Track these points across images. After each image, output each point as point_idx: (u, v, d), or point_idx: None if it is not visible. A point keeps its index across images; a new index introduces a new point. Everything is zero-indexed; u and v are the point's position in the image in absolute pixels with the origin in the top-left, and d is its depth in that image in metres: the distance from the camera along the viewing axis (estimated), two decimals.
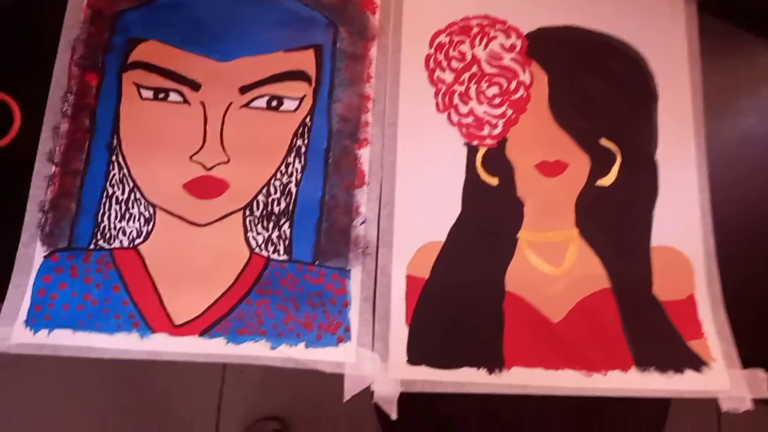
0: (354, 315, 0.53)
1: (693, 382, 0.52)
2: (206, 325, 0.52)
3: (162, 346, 0.51)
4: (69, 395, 1.24)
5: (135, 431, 1.23)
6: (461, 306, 0.54)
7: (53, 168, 0.55)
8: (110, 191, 0.55)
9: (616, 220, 0.57)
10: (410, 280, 0.54)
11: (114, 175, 0.55)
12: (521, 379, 0.52)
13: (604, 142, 0.58)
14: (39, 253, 0.53)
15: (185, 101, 0.57)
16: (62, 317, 0.52)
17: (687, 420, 0.80)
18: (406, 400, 0.51)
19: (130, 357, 0.51)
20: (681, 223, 0.57)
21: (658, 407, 0.80)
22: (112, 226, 0.54)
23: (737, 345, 0.53)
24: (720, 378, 0.52)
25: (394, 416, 0.50)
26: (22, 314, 0.52)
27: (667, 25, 0.62)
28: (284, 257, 0.54)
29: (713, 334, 0.53)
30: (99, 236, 0.54)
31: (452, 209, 0.56)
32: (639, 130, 0.59)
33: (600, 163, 0.58)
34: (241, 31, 0.59)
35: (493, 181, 0.57)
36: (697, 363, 0.52)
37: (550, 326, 0.53)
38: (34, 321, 0.52)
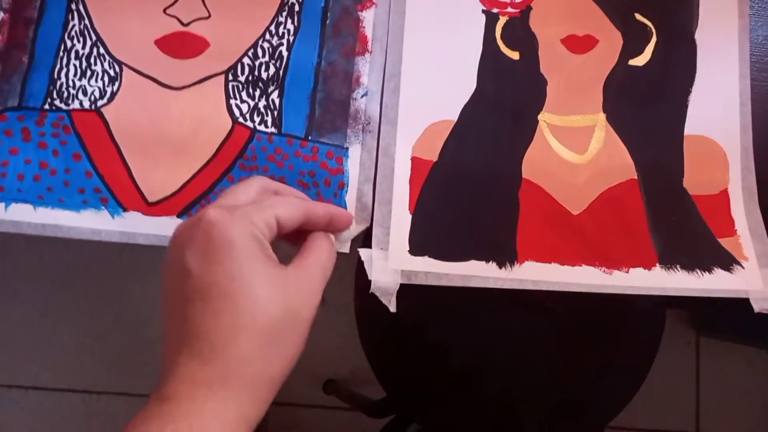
0: (351, 198, 0.45)
1: (722, 281, 0.45)
2: (185, 205, 0.44)
3: (136, 226, 0.43)
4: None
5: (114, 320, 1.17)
6: (471, 193, 0.47)
7: (1, 14, 0.45)
8: (69, 44, 0.45)
9: (648, 104, 0.49)
10: (416, 162, 0.47)
11: (73, 26, 0.46)
12: (534, 274, 0.45)
13: (639, 17, 0.50)
14: None
15: None
16: (18, 189, 0.43)
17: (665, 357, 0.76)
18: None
19: (102, 238, 0.43)
20: (718, 111, 0.49)
21: (653, 327, 0.76)
22: (71, 84, 0.45)
23: None
24: (753, 277, 0.46)
25: (393, 309, 0.43)
26: None
27: None
28: (272, 129, 0.46)
29: (746, 232, 0.47)
30: (55, 95, 0.44)
31: (466, 85, 0.48)
32: (678, 5, 0.50)
33: (633, 40, 0.49)
34: None
35: (514, 55, 0.49)
36: (728, 261, 0.46)
37: (569, 218, 0.47)
38: None
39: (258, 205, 0.33)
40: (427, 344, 0.75)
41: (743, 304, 0.45)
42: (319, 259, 0.35)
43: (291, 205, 0.34)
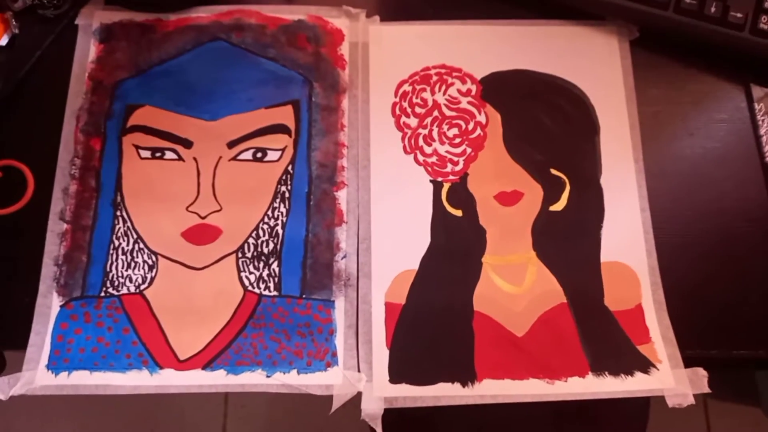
0: (339, 341, 0.55)
1: (642, 383, 0.54)
2: (208, 359, 0.54)
3: (169, 380, 0.53)
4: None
5: None
6: (435, 327, 0.56)
7: (65, 225, 0.58)
8: (116, 243, 0.57)
9: (569, 240, 0.59)
10: (388, 306, 0.57)
11: (119, 228, 0.58)
12: (491, 390, 0.54)
13: (554, 171, 0.61)
14: (56, 302, 0.55)
15: (180, 158, 0.60)
16: (79, 359, 0.54)
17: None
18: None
19: (141, 392, 0.53)
20: (626, 240, 0.59)
21: (638, 402, 0.82)
22: (120, 274, 0.56)
23: (679, 347, 0.55)
24: (666, 377, 0.54)
25: (379, 431, 0.52)
26: (44, 359, 0.54)
27: (604, 64, 0.65)
28: (274, 293, 0.57)
29: (659, 338, 0.56)
30: (108, 284, 0.56)
31: (423, 240, 0.59)
32: (584, 159, 0.62)
33: (551, 190, 0.60)
34: (227, 92, 0.62)
35: (458, 212, 0.60)
36: (646, 365, 0.55)
37: (515, 340, 0.56)
38: (55, 364, 0.54)
39: None
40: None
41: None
42: None
43: None
